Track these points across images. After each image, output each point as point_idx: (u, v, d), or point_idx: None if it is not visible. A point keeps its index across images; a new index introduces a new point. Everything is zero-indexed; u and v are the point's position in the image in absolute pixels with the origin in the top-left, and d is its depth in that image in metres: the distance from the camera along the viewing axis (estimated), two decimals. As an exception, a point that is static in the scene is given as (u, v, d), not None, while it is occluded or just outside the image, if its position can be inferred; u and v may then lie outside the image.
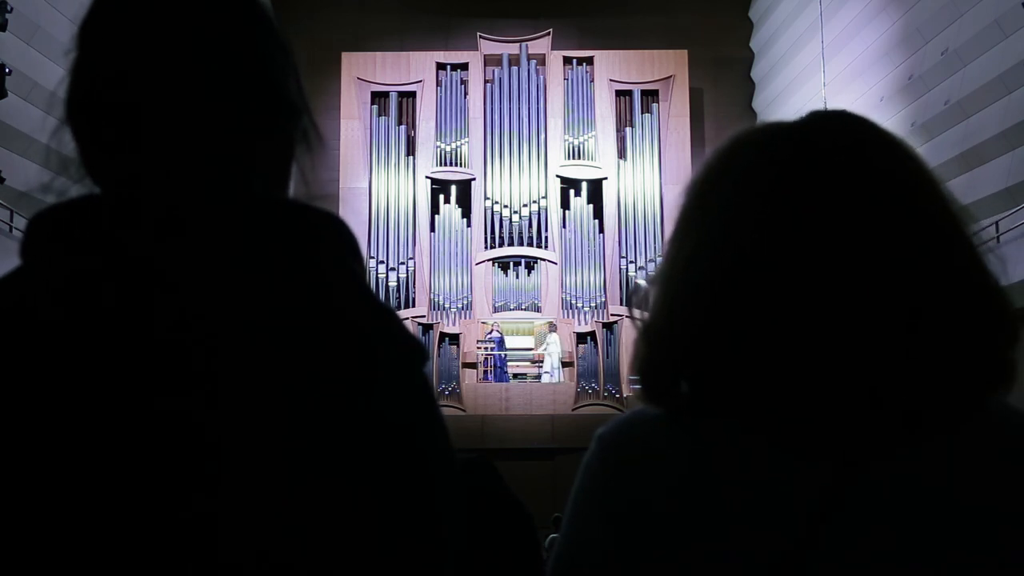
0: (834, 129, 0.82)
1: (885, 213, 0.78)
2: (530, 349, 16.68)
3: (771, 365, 0.78)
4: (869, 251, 0.77)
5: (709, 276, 0.80)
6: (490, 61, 17.94)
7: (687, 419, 0.81)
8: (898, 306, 0.76)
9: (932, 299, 0.77)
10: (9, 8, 9.93)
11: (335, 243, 0.81)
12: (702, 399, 0.81)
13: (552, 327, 16.50)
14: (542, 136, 17.57)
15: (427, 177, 17.48)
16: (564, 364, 16.48)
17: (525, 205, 17.28)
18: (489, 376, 16.25)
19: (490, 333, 16.52)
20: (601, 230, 17.29)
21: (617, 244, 17.23)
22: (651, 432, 0.81)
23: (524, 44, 17.82)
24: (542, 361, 16.34)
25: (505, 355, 16.38)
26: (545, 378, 16.20)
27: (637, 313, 0.85)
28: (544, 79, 17.83)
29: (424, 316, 16.65)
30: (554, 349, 16.25)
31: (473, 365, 16.46)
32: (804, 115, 0.84)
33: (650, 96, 17.80)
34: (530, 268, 17.14)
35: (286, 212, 0.80)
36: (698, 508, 0.76)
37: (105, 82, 0.80)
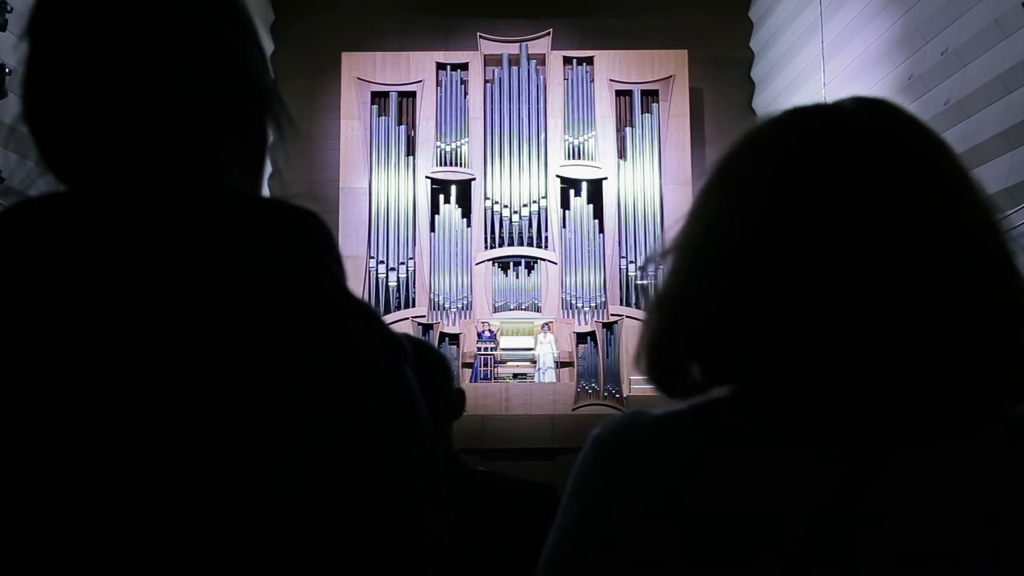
0: (865, 111, 0.79)
1: (912, 196, 0.75)
2: (529, 349, 16.66)
3: (785, 346, 0.75)
4: (895, 234, 0.74)
5: (728, 246, 0.77)
6: (490, 61, 17.92)
7: (688, 413, 0.78)
8: (924, 295, 0.73)
9: (961, 290, 0.74)
10: (9, 8, 9.90)
11: (312, 242, 0.79)
12: (710, 382, 0.78)
13: (544, 327, 16.45)
14: (542, 136, 17.55)
15: (427, 177, 17.46)
16: (563, 364, 16.46)
17: (525, 205, 17.26)
18: (487, 375, 16.22)
19: (482, 333, 16.49)
20: (601, 230, 17.27)
21: (617, 244, 17.21)
22: (649, 433, 0.79)
23: (524, 44, 17.80)
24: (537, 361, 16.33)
25: (492, 356, 16.34)
26: (537, 376, 16.18)
27: (649, 285, 0.82)
28: (544, 79, 17.81)
29: (424, 316, 16.63)
30: (547, 349, 16.22)
31: (472, 365, 16.45)
32: (839, 99, 0.82)
33: (650, 96, 17.78)
34: (530, 268, 17.12)
35: (261, 210, 0.78)
36: (700, 510, 0.74)
37: (63, 77, 0.77)
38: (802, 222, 0.76)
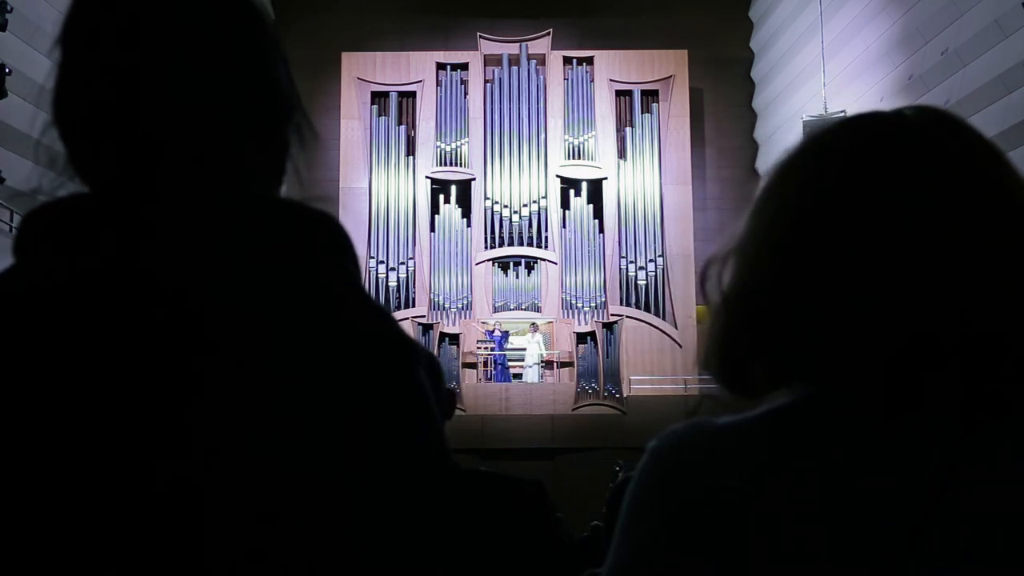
0: (922, 116, 0.80)
1: (974, 193, 0.75)
2: (527, 349, 16.69)
3: (857, 342, 0.74)
4: (962, 228, 0.74)
5: (791, 245, 0.77)
6: (490, 61, 17.94)
7: (757, 420, 0.77)
8: (999, 289, 0.73)
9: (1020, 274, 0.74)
10: (9, 8, 9.93)
11: (330, 244, 0.80)
12: (775, 380, 0.78)
13: (533, 327, 16.45)
14: (542, 136, 17.56)
15: (427, 177, 17.48)
16: (563, 364, 16.48)
17: (525, 205, 17.28)
18: (491, 375, 16.23)
19: (491, 333, 16.52)
20: (601, 230, 17.29)
21: (617, 244, 17.22)
22: (716, 447, 0.76)
23: (524, 44, 17.82)
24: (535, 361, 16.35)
25: (505, 354, 16.38)
26: (524, 375, 16.23)
27: (712, 286, 0.82)
28: (544, 79, 17.83)
29: (424, 316, 16.64)
30: (534, 349, 16.23)
31: (473, 365, 16.46)
32: (898, 108, 0.82)
33: (650, 96, 17.80)
34: (530, 268, 17.14)
35: (280, 212, 0.80)
36: (771, 512, 0.72)
37: (91, 81, 0.79)
38: (867, 218, 0.75)
